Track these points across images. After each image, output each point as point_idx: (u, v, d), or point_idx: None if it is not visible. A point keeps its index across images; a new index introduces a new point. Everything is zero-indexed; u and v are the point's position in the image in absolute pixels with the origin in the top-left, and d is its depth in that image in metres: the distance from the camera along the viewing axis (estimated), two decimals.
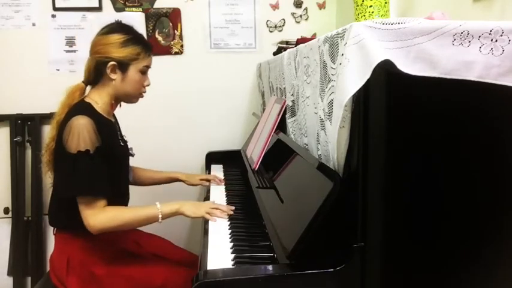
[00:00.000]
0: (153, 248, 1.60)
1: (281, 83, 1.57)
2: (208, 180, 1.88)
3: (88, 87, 1.47)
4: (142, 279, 1.38)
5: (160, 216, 1.35)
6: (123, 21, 1.49)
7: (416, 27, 0.81)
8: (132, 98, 1.49)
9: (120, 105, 1.54)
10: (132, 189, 1.60)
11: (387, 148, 0.86)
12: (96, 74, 1.43)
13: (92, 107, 1.39)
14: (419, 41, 0.81)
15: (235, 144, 2.39)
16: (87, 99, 1.42)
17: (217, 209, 1.40)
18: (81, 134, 1.27)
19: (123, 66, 1.40)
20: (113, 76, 1.40)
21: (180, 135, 2.40)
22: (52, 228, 1.46)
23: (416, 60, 0.81)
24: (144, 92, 1.51)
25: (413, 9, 1.60)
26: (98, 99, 1.42)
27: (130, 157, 1.60)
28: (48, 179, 1.44)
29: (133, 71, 1.42)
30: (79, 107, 1.38)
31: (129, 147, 1.60)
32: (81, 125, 1.28)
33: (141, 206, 1.37)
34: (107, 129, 1.39)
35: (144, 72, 1.46)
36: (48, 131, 1.44)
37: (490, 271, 0.94)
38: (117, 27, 1.44)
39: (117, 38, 1.40)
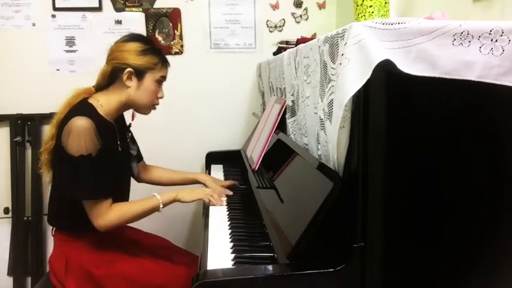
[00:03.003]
0: (152, 248, 1.60)
1: (281, 83, 1.57)
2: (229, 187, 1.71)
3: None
4: (141, 279, 1.38)
5: (161, 206, 1.44)
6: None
7: (416, 27, 0.81)
8: (144, 108, 1.49)
9: (134, 116, 1.55)
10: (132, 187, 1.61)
11: (387, 148, 0.86)
12: (110, 80, 1.42)
13: (94, 108, 1.37)
14: (419, 41, 0.81)
15: (235, 144, 2.39)
16: (90, 100, 1.40)
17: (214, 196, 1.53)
18: (83, 137, 1.27)
19: (140, 73, 1.41)
20: (128, 83, 1.40)
21: (180, 135, 2.40)
22: (51, 228, 1.46)
23: (416, 60, 0.81)
24: (157, 104, 1.51)
25: (413, 9, 1.60)
26: (104, 101, 1.41)
27: (134, 154, 1.60)
28: (47, 178, 1.44)
29: (149, 80, 1.43)
30: (80, 107, 1.36)
31: (130, 147, 1.59)
32: (82, 127, 1.27)
33: (143, 200, 1.44)
34: (106, 132, 1.37)
35: (159, 82, 1.47)
36: (47, 130, 1.42)
37: (490, 271, 0.94)
38: (137, 36, 1.46)
39: (136, 46, 1.41)
